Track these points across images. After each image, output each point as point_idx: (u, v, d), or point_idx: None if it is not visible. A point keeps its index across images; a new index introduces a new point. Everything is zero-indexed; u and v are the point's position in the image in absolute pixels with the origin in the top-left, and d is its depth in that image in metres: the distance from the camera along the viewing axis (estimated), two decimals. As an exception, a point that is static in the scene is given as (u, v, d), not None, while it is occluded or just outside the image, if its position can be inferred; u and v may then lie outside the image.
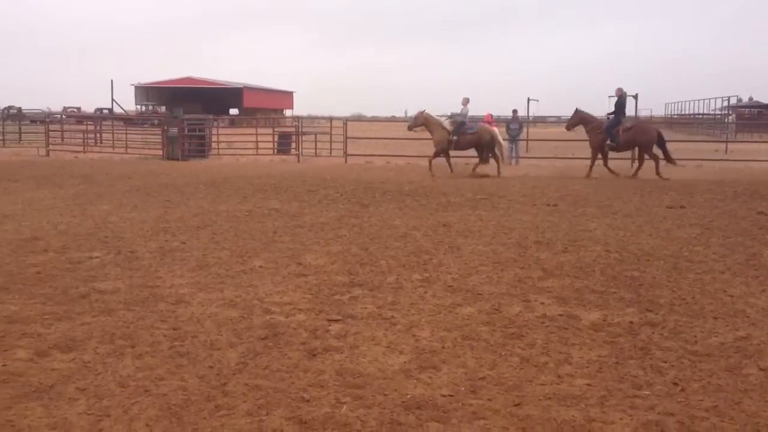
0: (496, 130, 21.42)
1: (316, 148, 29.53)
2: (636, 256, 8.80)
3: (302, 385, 4.71)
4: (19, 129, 39.59)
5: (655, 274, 7.90)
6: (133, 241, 9.44)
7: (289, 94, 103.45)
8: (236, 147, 29.48)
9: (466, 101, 21.14)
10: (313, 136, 30.58)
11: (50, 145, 29.55)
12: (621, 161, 21.32)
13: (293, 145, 29.47)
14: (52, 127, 33.07)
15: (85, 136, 33.83)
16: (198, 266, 8.09)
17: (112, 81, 56.91)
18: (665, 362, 5.24)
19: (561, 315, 6.37)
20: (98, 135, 35.71)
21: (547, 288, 7.30)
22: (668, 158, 19.91)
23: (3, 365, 5.00)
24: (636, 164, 20.55)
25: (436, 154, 20.96)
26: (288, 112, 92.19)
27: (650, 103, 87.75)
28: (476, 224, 11.20)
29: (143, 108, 78.32)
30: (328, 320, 6.15)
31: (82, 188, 15.99)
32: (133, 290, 7.02)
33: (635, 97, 49.21)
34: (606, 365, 5.17)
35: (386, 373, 4.96)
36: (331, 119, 33.32)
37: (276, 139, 30.25)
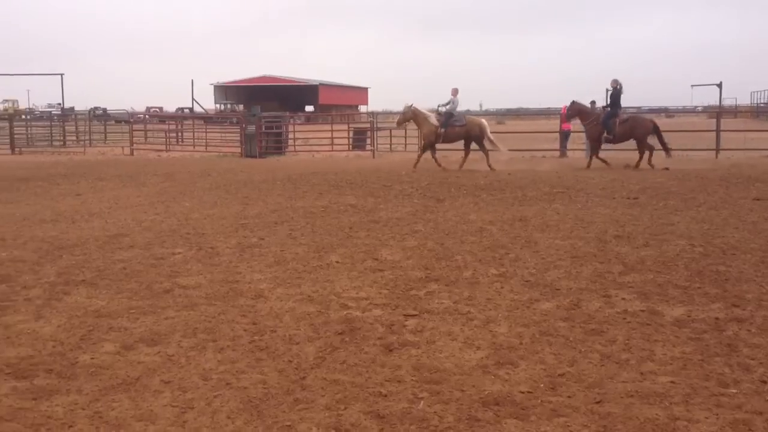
0: (485, 122, 21.10)
1: (390, 144, 29.63)
2: (722, 250, 8.51)
3: (379, 380, 4.73)
4: (105, 129, 41.13)
5: (741, 269, 7.62)
6: (214, 238, 9.66)
7: (363, 90, 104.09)
8: (312, 143, 29.86)
9: (455, 92, 20.69)
10: (388, 131, 30.67)
11: (134, 145, 30.53)
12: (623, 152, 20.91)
13: (368, 140, 29.63)
14: (135, 127, 34.21)
15: (167, 135, 34.79)
16: (276, 262, 8.22)
17: (192, 81, 58.41)
18: (753, 359, 5.05)
19: (643, 311, 6.22)
20: (180, 134, 36.69)
21: (628, 283, 7.14)
22: (665, 148, 20.07)
23: (92, 358, 5.19)
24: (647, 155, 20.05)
25: (425, 148, 20.72)
26: (363, 108, 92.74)
27: (735, 92, 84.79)
28: (553, 218, 11.04)
29: (222, 107, 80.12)
30: (405, 315, 6.16)
31: (164, 186, 16.46)
32: (213, 285, 7.19)
33: (719, 85, 47.64)
34: (691, 362, 5.02)
35: (463, 368, 4.94)
36: (405, 114, 33.26)
37: (351, 135, 30.47)
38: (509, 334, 5.66)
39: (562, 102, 28.22)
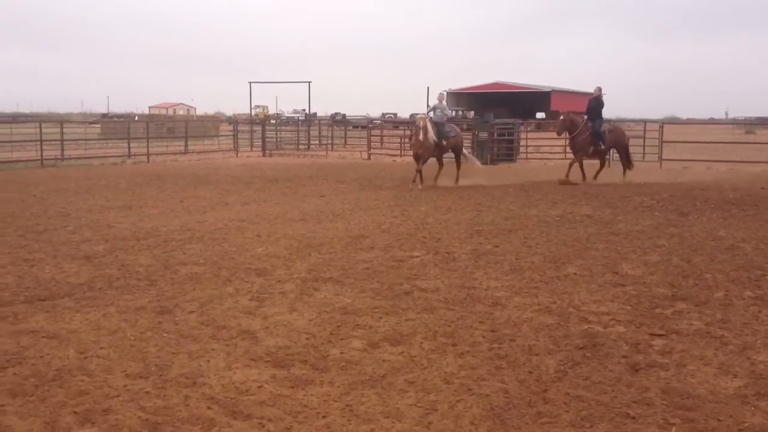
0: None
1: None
2: None
3: (626, 401, 4.55)
4: (345, 134, 43.29)
5: None
6: (449, 243, 9.82)
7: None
8: (543, 151, 29.40)
9: (441, 97, 19.12)
10: (624, 139, 29.42)
11: (371, 149, 31.86)
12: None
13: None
14: (372, 132, 35.67)
15: (402, 140, 35.88)
16: (511, 270, 8.19)
17: (428, 88, 59.83)
18: None
19: None
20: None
21: None
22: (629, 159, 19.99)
23: (341, 353, 5.47)
24: (621, 169, 19.76)
25: (423, 161, 18.39)
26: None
27: None
28: (818, 238, 10.00)
29: (454, 113, 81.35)
30: (651, 334, 5.88)
31: (399, 190, 16.99)
32: (451, 290, 7.30)
33: None
34: None
35: (719, 396, 4.61)
36: (645, 122, 31.70)
37: (585, 142, 29.55)
38: (771, 363, 5.20)
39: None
